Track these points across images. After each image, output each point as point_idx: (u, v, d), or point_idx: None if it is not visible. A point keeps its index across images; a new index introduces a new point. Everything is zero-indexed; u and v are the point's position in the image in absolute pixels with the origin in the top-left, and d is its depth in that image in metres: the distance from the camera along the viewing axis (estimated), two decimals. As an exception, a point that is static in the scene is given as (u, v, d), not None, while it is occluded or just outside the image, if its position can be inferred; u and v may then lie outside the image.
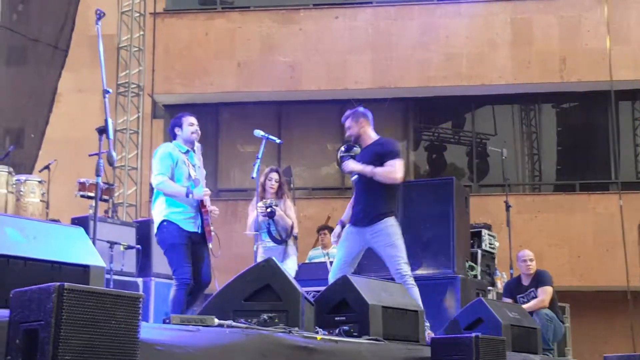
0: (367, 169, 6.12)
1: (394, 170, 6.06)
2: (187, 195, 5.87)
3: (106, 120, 5.21)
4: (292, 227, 7.48)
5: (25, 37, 12.46)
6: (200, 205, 5.95)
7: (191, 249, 5.92)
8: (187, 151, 6.13)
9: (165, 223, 5.93)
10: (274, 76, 13.19)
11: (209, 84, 13.34)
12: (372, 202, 6.17)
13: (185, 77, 13.39)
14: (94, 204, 7.76)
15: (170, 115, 13.32)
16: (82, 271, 3.87)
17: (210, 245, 6.02)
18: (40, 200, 8.43)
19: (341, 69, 13.28)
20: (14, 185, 8.19)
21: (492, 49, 13.36)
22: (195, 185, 5.93)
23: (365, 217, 6.20)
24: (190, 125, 6.16)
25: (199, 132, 6.21)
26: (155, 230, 6.02)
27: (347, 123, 6.42)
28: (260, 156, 7.30)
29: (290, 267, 7.49)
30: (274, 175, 7.60)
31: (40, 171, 9.26)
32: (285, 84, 13.27)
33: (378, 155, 6.16)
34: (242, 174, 13.20)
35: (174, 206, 5.95)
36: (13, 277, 3.49)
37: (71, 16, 13.04)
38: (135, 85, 12.97)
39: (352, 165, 6.23)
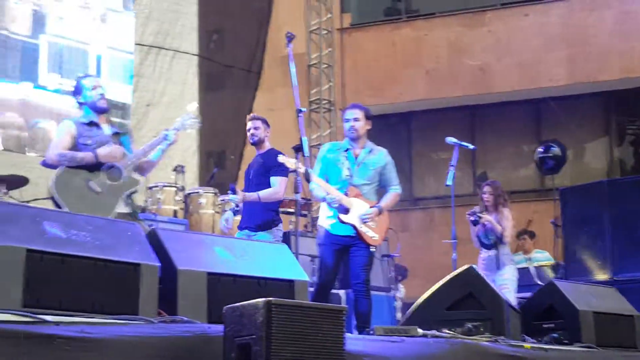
0: (253, 195, 6.31)
1: (277, 191, 6.35)
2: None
3: (301, 139, 5.36)
4: (501, 234, 7.43)
5: (220, 64, 13.10)
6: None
7: (343, 252, 5.89)
8: (347, 149, 6.00)
9: (320, 229, 6.01)
10: (464, 80, 13.01)
11: (398, 94, 13.37)
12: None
13: (375, 88, 13.51)
14: (294, 220, 8.01)
15: (362, 127, 13.48)
16: (287, 286, 3.99)
17: (372, 249, 5.86)
18: (244, 219, 8.77)
19: (534, 67, 12.85)
20: (220, 206, 8.59)
21: (700, 32, 12.42)
22: (343, 185, 5.89)
23: None
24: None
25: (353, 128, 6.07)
26: None
27: (257, 123, 6.61)
28: (454, 163, 7.25)
29: (506, 277, 7.37)
30: (487, 189, 7.76)
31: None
32: (476, 87, 13.03)
33: (266, 166, 6.37)
34: (437, 182, 13.09)
35: (326, 211, 5.97)
36: (224, 293, 3.65)
37: (262, 40, 13.57)
38: (326, 101, 13.27)
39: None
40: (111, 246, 3.45)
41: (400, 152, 13.74)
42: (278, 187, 6.32)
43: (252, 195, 6.22)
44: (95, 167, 5.27)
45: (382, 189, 6.10)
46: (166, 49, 11.87)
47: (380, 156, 6.07)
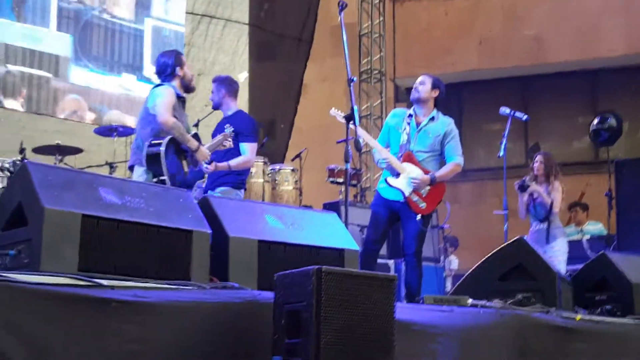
0: (224, 165, 6.13)
1: (248, 159, 6.32)
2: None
3: (352, 108, 5.34)
4: (551, 206, 7.32)
5: (272, 33, 13.10)
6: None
7: (393, 216, 5.87)
8: (411, 115, 5.99)
9: (376, 193, 6.04)
10: (517, 50, 12.78)
11: (450, 64, 13.20)
12: None
13: (426, 59, 13.36)
14: (343, 190, 8.02)
15: (413, 98, 13.38)
16: (337, 254, 4.00)
17: (418, 217, 5.76)
18: (294, 188, 8.81)
19: (592, 36, 12.55)
20: (270, 175, 8.63)
21: None
22: (400, 150, 5.86)
23: None
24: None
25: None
26: None
27: (213, 87, 6.48)
28: (506, 134, 7.18)
29: (557, 249, 7.30)
30: (538, 158, 7.71)
31: (292, 160, 9.68)
32: (531, 57, 12.80)
33: (234, 131, 6.17)
34: (488, 153, 12.96)
35: (383, 175, 5.97)
36: (275, 261, 3.68)
37: (313, 9, 13.50)
38: (377, 71, 13.18)
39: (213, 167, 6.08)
40: (164, 213, 3.49)
41: (451, 123, 13.60)
42: (249, 154, 6.32)
43: (223, 166, 6.18)
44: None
45: (444, 160, 6.00)
46: (217, 18, 11.90)
47: (442, 124, 6.00)
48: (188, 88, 5.60)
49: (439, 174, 5.87)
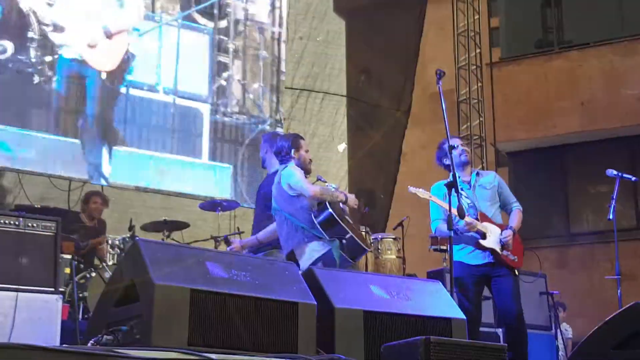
0: (253, 240, 5.95)
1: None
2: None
3: (454, 175, 5.31)
4: None
5: (369, 104, 13.24)
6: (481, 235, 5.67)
7: (483, 282, 5.69)
8: (468, 182, 5.89)
9: (454, 264, 5.68)
10: (621, 111, 12.48)
11: (552, 127, 13.01)
12: None
13: (527, 122, 13.21)
14: (447, 257, 7.91)
15: (514, 163, 13.21)
16: (444, 324, 3.94)
17: (516, 273, 5.64)
18: (397, 257, 8.75)
19: (697, 93, 12.17)
20: (372, 244, 8.61)
21: None
22: (470, 214, 5.66)
23: None
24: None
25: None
26: None
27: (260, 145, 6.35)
28: (615, 197, 6.99)
29: None
30: None
31: (394, 228, 9.63)
32: (635, 117, 12.47)
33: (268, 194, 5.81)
34: (595, 217, 12.59)
35: (456, 245, 5.65)
36: (381, 332, 3.65)
37: (410, 78, 13.60)
38: (477, 137, 13.08)
39: None
40: (270, 285, 3.53)
41: (555, 186, 13.32)
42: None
43: (252, 240, 5.98)
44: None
45: (504, 209, 6.02)
46: (316, 92, 12.14)
47: (490, 175, 6.12)
48: (304, 170, 5.71)
49: (514, 224, 5.86)
